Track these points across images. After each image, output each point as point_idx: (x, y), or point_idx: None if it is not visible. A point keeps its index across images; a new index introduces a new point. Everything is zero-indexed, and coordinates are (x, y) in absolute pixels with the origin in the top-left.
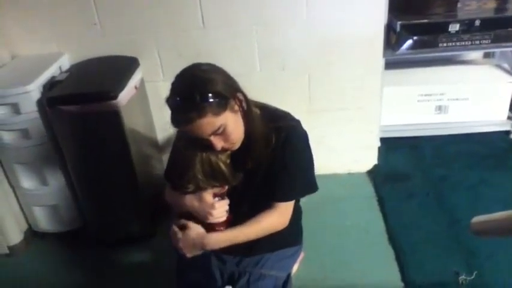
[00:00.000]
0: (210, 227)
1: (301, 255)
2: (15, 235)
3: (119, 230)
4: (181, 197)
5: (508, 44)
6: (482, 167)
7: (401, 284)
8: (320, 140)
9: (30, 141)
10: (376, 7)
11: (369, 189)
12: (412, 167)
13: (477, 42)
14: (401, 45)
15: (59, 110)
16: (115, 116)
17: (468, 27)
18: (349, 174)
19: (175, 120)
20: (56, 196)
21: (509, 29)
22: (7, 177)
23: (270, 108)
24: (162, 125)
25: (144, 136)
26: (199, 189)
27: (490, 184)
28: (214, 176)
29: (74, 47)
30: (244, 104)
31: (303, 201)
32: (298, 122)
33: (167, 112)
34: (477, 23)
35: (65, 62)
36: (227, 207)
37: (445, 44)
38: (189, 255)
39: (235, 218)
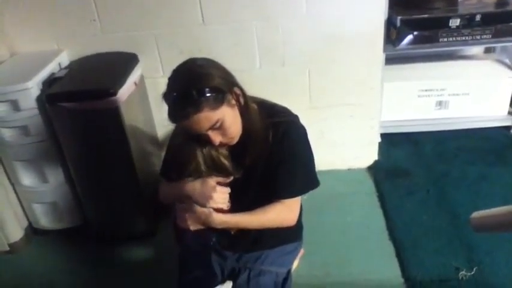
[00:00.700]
0: None
1: (302, 251)
2: (15, 232)
3: (119, 228)
4: (181, 183)
5: (509, 38)
6: (482, 163)
7: (402, 280)
8: (320, 136)
9: (29, 138)
10: (377, 2)
11: (369, 185)
12: (412, 162)
13: (478, 37)
14: (401, 40)
15: (58, 106)
16: (115, 112)
17: (469, 22)
18: (349, 170)
19: (172, 116)
20: (56, 193)
21: (510, 24)
22: (7, 175)
23: (267, 104)
24: (161, 121)
25: (144, 132)
26: None
27: (491, 180)
28: (216, 170)
29: (73, 44)
30: (241, 99)
31: (304, 198)
32: (296, 117)
33: (167, 108)
34: (478, 17)
35: (64, 59)
36: (228, 197)
37: (445, 39)
38: (192, 227)
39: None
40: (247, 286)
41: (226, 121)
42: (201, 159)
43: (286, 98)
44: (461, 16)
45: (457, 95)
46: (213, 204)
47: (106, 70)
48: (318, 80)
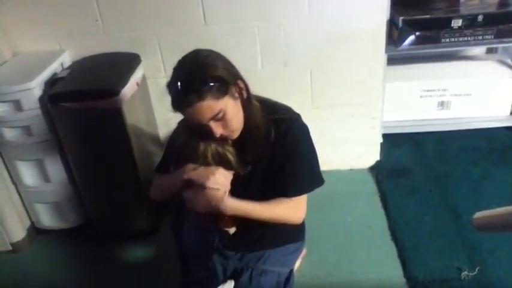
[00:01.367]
0: None
1: (304, 251)
2: (18, 232)
3: (122, 227)
4: (181, 169)
5: (511, 39)
6: (485, 163)
7: (404, 280)
8: (322, 136)
9: (32, 138)
10: (379, 2)
11: (371, 185)
12: (414, 163)
13: (480, 37)
14: (403, 40)
15: (60, 106)
16: (117, 112)
17: (471, 22)
18: (351, 170)
19: (175, 104)
20: (58, 193)
21: None
22: (9, 174)
23: (269, 102)
24: (163, 121)
25: (146, 132)
26: None
27: (493, 180)
28: (223, 166)
29: (75, 44)
30: (244, 92)
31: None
32: (298, 115)
33: (169, 108)
34: (480, 18)
35: (66, 59)
36: (229, 182)
37: (447, 40)
38: (202, 210)
39: None
40: (250, 286)
41: (228, 113)
42: (209, 155)
43: (288, 97)
44: (463, 16)
45: (459, 95)
46: (214, 184)
47: (108, 70)
48: (319, 80)
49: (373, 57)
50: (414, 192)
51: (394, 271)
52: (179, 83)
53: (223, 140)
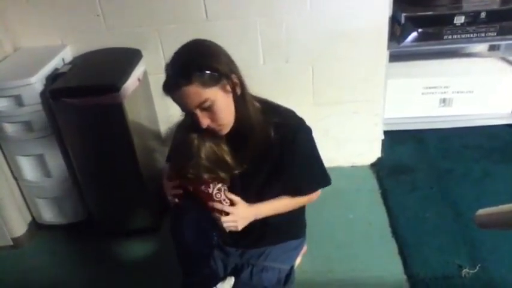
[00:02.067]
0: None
1: (304, 248)
2: (19, 227)
3: (123, 223)
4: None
5: None
6: (486, 160)
7: (404, 277)
8: (324, 133)
9: (33, 133)
10: None
11: (372, 182)
12: (416, 160)
13: (482, 34)
14: (406, 37)
15: (62, 102)
16: (118, 108)
17: (473, 19)
18: (352, 167)
19: (166, 85)
20: (59, 188)
21: None
22: (10, 169)
23: (271, 104)
24: (165, 117)
25: (147, 128)
26: (199, 178)
27: (495, 177)
28: (218, 165)
29: (77, 39)
30: (238, 89)
31: None
32: (302, 119)
33: (170, 104)
34: (483, 15)
35: (67, 54)
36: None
37: (450, 37)
38: (241, 227)
39: None
40: (250, 282)
41: (216, 104)
42: (202, 153)
43: (289, 94)
44: (466, 13)
45: (461, 92)
46: (231, 223)
47: (109, 66)
48: (321, 77)
49: (375, 54)
50: (415, 190)
51: (395, 268)
52: (173, 66)
53: (214, 135)
